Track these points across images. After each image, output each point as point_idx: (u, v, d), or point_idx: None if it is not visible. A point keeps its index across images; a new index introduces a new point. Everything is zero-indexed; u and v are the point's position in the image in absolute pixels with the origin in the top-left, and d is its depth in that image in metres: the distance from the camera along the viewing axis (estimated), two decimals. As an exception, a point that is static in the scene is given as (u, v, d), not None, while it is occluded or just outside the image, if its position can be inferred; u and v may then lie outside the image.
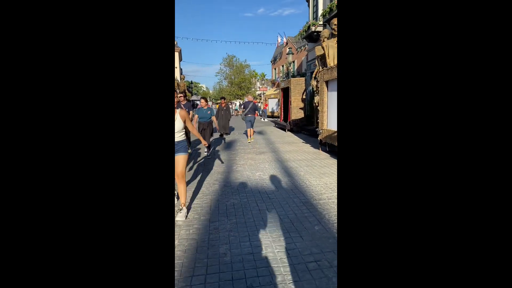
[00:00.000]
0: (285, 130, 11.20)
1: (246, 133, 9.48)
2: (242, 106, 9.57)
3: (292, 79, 10.83)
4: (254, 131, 9.21)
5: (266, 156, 6.19)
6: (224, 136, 9.59)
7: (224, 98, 9.73)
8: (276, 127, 13.09)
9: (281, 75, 27.30)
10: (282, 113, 12.68)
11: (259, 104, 24.75)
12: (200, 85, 79.71)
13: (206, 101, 6.47)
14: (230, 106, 32.22)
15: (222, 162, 5.58)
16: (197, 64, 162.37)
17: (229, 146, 7.75)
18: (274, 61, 31.92)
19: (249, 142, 8.33)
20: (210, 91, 62.92)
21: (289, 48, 15.16)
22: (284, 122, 12.07)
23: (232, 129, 11.31)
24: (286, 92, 11.83)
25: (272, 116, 21.70)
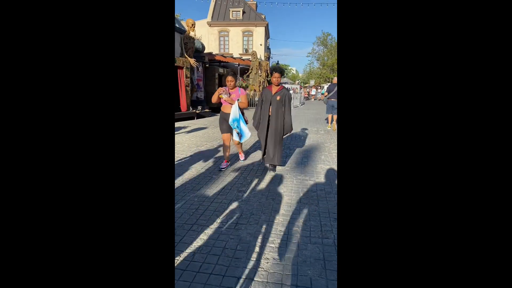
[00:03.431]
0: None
1: (326, 119, 8.54)
2: (326, 90, 8.13)
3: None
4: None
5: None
6: (271, 168, 3.85)
7: (280, 72, 3.62)
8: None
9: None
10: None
11: None
12: (290, 68, 77.75)
13: None
14: (304, 93, 26.94)
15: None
16: (290, 46, 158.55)
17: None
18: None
19: (329, 129, 7.69)
20: (300, 74, 60.62)
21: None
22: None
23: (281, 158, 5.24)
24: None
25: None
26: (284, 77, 37.89)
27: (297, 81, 42.95)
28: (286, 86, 5.03)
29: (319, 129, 7.74)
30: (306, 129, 7.77)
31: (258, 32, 22.47)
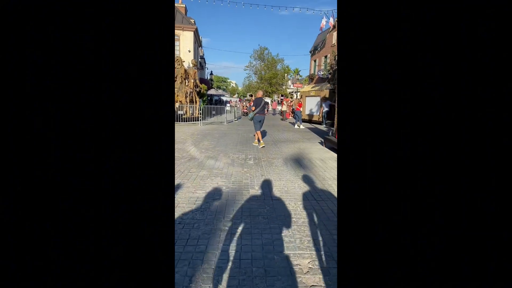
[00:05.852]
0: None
1: (258, 138, 7.19)
2: (252, 104, 7.42)
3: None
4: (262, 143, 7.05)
5: None
6: None
7: None
8: (327, 147, 7.22)
9: (322, 67, 21.21)
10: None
11: (285, 103, 19.37)
12: (229, 81, 76.75)
13: None
14: (242, 108, 25.28)
15: None
16: (230, 60, 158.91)
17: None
18: (314, 51, 25.73)
19: (262, 147, 6.77)
20: (239, 88, 59.98)
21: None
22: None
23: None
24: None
25: (310, 121, 15.67)
26: (216, 89, 35.79)
27: (236, 94, 41.48)
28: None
29: (247, 157, 5.58)
30: (230, 158, 5.52)
31: (186, 37, 19.96)
